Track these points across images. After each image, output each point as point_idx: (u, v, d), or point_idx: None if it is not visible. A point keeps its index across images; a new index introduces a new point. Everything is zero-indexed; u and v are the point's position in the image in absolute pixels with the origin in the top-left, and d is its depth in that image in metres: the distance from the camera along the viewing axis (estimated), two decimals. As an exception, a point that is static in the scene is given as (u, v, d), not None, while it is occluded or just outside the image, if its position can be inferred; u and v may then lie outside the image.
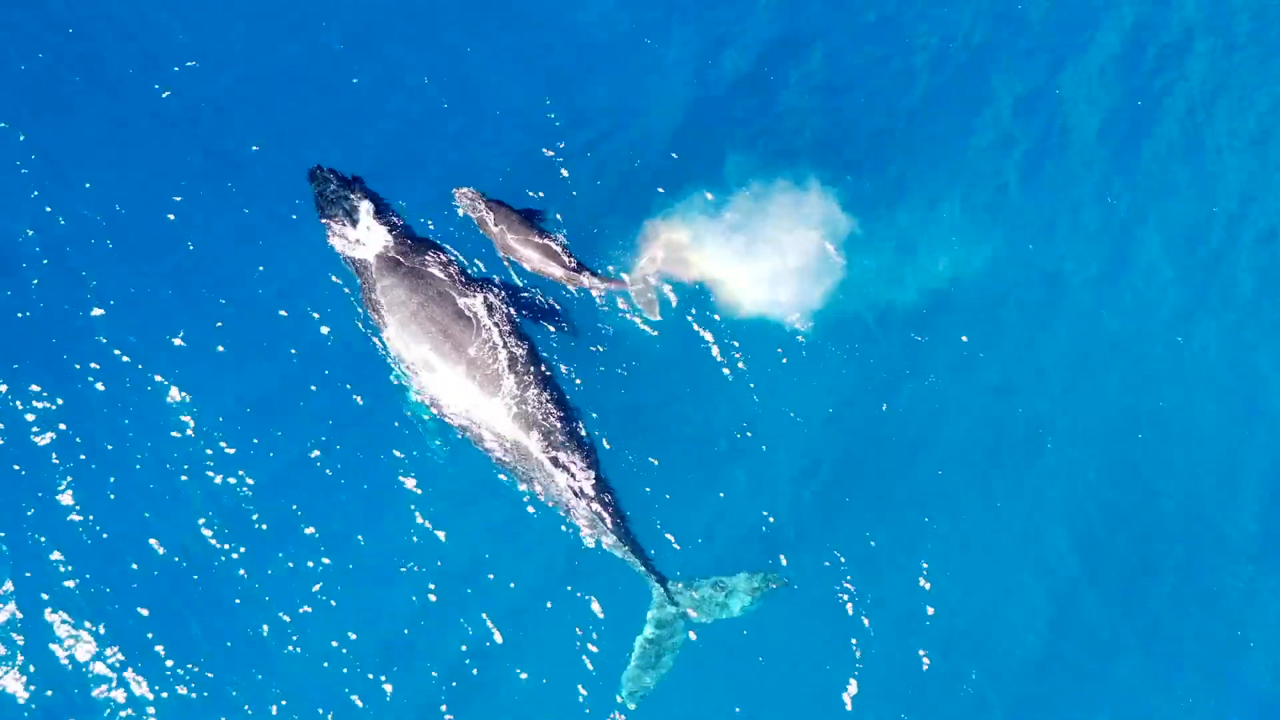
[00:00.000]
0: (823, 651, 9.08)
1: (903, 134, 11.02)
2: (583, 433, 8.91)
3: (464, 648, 8.71)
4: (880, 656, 9.13)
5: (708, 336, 9.73)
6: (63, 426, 8.90)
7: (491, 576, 8.87)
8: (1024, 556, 9.74)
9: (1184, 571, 9.93)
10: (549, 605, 8.84)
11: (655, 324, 9.41)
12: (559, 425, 8.74)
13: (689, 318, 9.75)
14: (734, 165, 10.38)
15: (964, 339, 10.39)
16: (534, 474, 8.71)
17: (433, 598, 8.82)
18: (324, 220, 9.40)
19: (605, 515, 8.53)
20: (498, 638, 8.74)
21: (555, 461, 8.58)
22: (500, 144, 10.31)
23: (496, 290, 9.26)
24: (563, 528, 8.87)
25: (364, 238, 9.16)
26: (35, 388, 8.97)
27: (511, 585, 8.87)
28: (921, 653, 9.24)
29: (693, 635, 8.81)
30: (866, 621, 9.17)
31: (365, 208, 9.23)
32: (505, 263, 9.43)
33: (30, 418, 8.89)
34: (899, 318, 10.35)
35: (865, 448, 9.88)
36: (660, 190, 10.18)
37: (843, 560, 9.28)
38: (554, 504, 8.75)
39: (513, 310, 9.24)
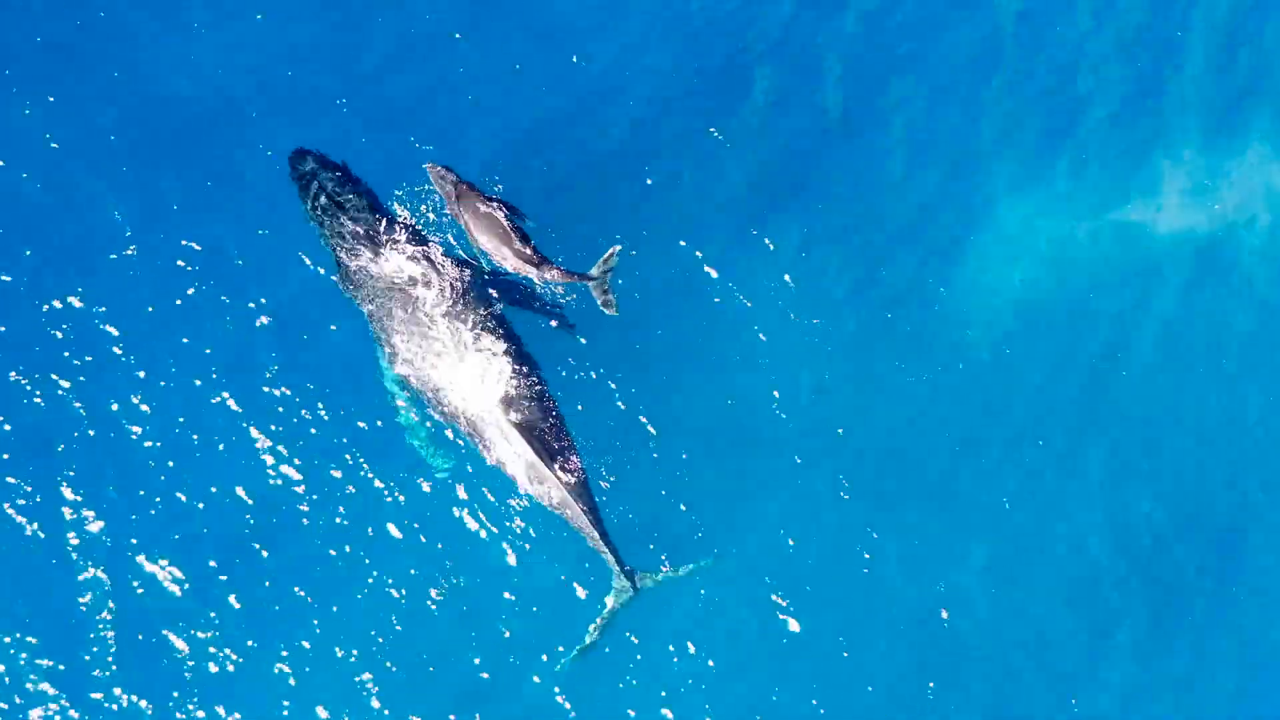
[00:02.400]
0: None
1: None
2: (559, 416, 9.03)
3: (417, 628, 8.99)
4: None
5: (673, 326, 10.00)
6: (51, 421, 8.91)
7: (450, 553, 9.13)
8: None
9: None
10: (509, 585, 9.12)
11: (613, 319, 9.41)
12: (539, 412, 8.86)
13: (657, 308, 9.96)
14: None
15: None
16: (509, 456, 8.80)
17: (395, 581, 9.02)
18: (326, 233, 9.29)
19: (576, 500, 8.66)
20: (451, 615, 9.02)
21: (534, 446, 8.64)
22: (481, 126, 10.21)
23: (467, 272, 9.28)
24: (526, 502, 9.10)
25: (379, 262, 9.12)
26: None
27: (475, 565, 9.12)
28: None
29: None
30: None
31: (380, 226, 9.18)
32: (475, 247, 9.36)
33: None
34: (886, 306, 10.49)
35: (841, 437, 10.05)
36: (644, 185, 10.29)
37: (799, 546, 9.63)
38: (522, 485, 8.90)
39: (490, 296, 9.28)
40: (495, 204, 9.15)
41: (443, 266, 9.11)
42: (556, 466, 8.63)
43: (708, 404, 9.90)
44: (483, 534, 9.17)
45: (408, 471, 9.21)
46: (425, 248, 9.12)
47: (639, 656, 9.20)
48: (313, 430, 9.20)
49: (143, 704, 8.50)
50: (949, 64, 11.16)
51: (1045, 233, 10.97)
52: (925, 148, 11.00)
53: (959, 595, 9.88)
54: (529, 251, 9.04)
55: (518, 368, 8.92)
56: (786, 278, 10.32)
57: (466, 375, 8.82)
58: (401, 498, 9.17)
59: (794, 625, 9.48)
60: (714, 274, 10.18)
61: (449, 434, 9.13)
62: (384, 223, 9.15)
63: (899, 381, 10.33)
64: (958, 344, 10.51)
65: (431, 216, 9.43)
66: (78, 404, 8.93)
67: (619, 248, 9.11)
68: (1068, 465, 10.40)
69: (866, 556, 9.76)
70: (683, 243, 10.24)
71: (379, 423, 9.28)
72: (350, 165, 9.53)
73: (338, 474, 9.16)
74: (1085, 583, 10.20)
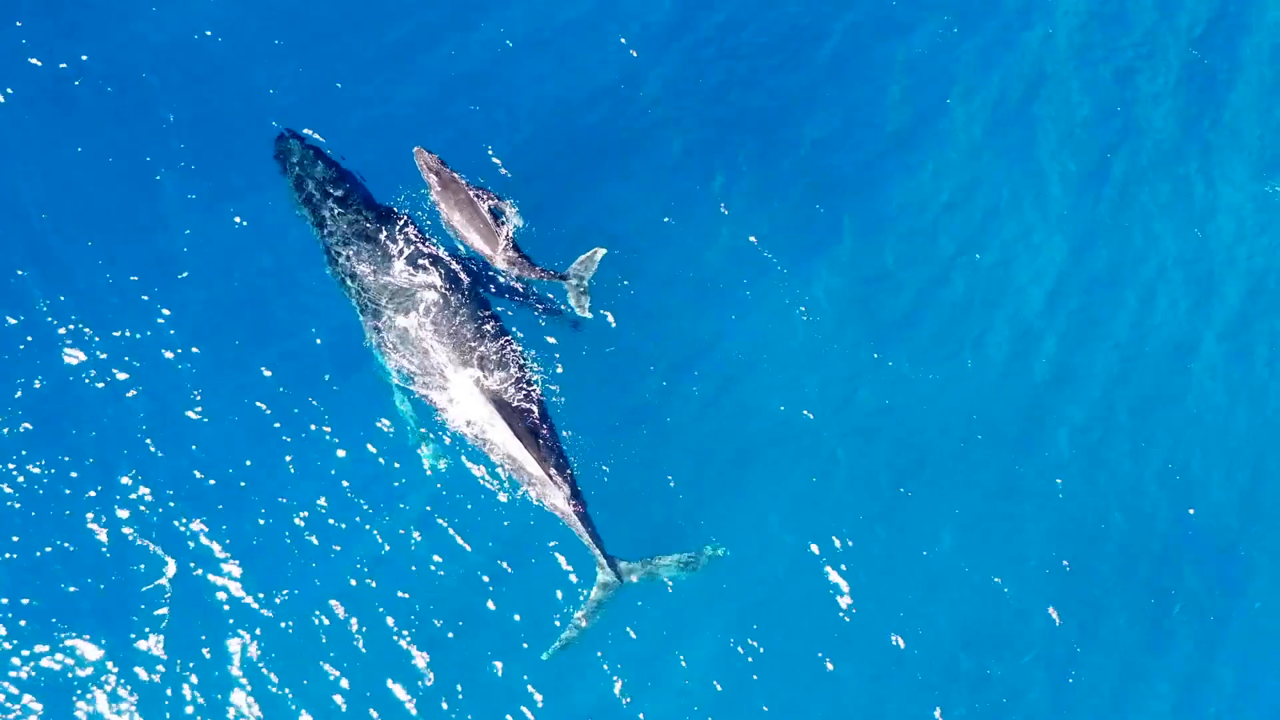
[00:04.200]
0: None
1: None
2: (544, 407, 8.94)
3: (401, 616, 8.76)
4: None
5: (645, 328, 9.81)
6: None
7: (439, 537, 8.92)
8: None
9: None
10: (496, 577, 8.93)
11: (585, 320, 9.41)
12: (526, 403, 8.75)
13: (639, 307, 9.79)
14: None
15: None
16: (494, 444, 8.63)
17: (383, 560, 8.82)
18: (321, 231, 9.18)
19: (556, 488, 8.49)
20: (434, 611, 8.78)
21: (517, 430, 8.47)
22: (473, 116, 10.10)
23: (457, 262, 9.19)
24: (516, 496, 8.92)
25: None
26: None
27: (462, 559, 8.89)
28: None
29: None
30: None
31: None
32: (452, 235, 9.30)
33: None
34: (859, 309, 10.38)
35: (862, 430, 9.95)
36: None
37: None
38: (511, 472, 8.73)
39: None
40: (479, 194, 9.09)
41: (433, 258, 9.03)
42: (540, 455, 8.48)
43: (711, 403, 9.77)
44: (469, 525, 8.92)
45: (393, 461, 9.00)
46: (417, 241, 9.04)
47: (636, 653, 8.95)
48: (295, 411, 9.02)
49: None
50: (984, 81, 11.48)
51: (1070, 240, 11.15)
52: (950, 150, 11.15)
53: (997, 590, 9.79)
54: (505, 245, 9.03)
55: (508, 360, 8.82)
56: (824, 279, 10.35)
57: (455, 367, 8.68)
58: (388, 489, 8.94)
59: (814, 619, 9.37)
60: (728, 271, 10.17)
61: (437, 419, 8.90)
62: (377, 216, 9.07)
63: (911, 378, 10.24)
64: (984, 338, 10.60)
65: (429, 222, 9.36)
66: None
67: (601, 251, 9.19)
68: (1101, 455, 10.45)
69: (874, 554, 9.64)
70: (750, 239, 10.26)
71: (334, 391, 9.13)
72: (345, 156, 9.49)
73: (328, 467, 8.94)
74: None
